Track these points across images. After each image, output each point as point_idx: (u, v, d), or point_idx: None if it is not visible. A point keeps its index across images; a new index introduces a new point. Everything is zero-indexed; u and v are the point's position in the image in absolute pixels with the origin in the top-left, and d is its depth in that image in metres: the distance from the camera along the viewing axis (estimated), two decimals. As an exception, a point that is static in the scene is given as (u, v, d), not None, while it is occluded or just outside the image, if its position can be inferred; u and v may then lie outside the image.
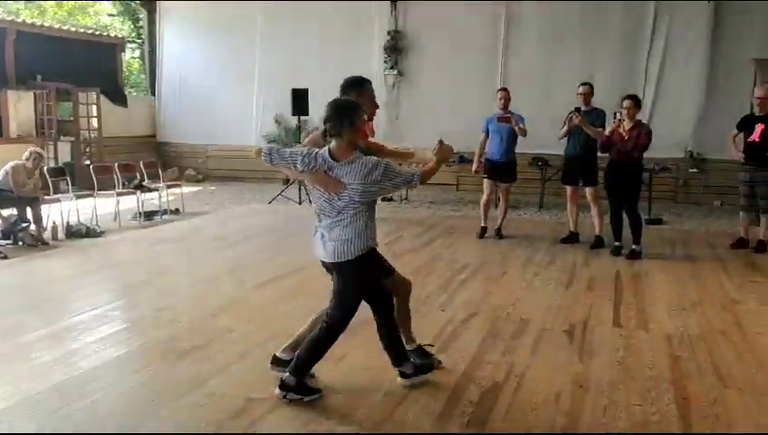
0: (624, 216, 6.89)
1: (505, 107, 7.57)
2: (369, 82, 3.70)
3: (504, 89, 7.80)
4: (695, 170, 10.77)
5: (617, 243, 6.95)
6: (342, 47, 12.62)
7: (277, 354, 3.62)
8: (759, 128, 6.94)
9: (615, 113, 6.74)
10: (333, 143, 3.20)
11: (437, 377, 3.66)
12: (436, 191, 12.01)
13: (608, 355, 4.07)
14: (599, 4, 11.15)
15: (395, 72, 12.35)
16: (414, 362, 3.60)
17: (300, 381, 3.34)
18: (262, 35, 13.12)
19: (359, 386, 3.56)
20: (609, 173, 6.89)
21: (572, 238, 7.49)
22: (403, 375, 3.54)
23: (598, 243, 7.20)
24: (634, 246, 6.80)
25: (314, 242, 3.36)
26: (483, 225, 7.75)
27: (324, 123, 3.23)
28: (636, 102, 6.77)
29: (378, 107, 3.80)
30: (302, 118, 10.82)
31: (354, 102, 3.29)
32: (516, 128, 7.46)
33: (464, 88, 11.71)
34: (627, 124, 6.70)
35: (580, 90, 7.29)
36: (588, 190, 7.38)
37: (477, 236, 7.70)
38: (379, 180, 3.17)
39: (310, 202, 10.13)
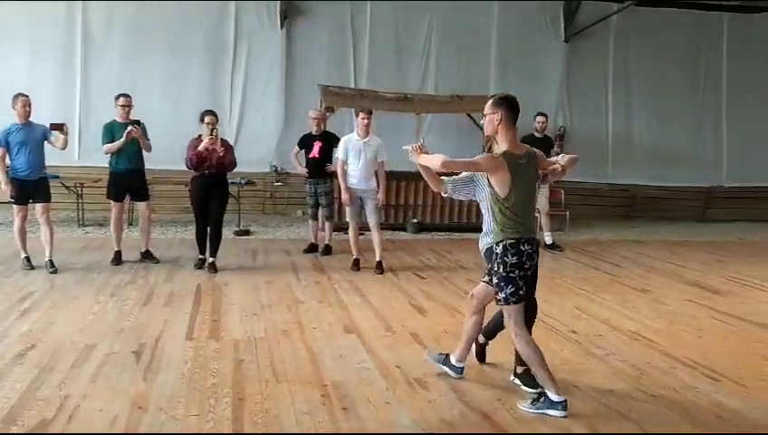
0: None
1: (29, 115, 6.60)
2: None
3: (24, 95, 6.64)
4: (279, 184, 11.67)
5: (201, 256, 7.06)
6: None
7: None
8: (317, 145, 7.89)
9: (212, 130, 6.71)
10: None
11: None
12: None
13: (175, 370, 4.06)
14: (182, 21, 11.25)
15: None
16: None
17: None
18: None
19: None
20: (200, 188, 6.92)
21: (118, 258, 7.16)
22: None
23: (147, 256, 7.28)
24: (212, 259, 6.97)
25: None
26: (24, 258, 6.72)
27: None
28: (216, 118, 6.94)
29: None
30: None
31: None
32: (59, 140, 6.70)
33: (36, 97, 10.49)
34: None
35: (121, 101, 7.03)
36: (142, 205, 7.34)
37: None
38: None
39: None
